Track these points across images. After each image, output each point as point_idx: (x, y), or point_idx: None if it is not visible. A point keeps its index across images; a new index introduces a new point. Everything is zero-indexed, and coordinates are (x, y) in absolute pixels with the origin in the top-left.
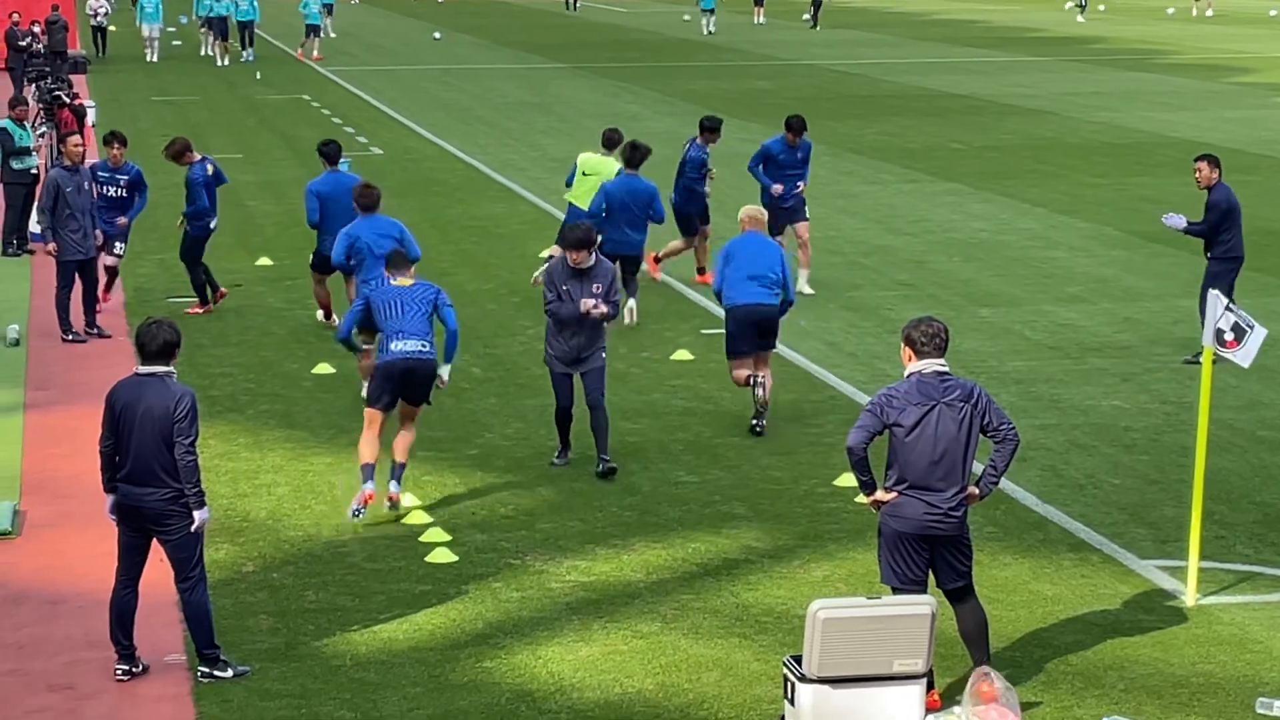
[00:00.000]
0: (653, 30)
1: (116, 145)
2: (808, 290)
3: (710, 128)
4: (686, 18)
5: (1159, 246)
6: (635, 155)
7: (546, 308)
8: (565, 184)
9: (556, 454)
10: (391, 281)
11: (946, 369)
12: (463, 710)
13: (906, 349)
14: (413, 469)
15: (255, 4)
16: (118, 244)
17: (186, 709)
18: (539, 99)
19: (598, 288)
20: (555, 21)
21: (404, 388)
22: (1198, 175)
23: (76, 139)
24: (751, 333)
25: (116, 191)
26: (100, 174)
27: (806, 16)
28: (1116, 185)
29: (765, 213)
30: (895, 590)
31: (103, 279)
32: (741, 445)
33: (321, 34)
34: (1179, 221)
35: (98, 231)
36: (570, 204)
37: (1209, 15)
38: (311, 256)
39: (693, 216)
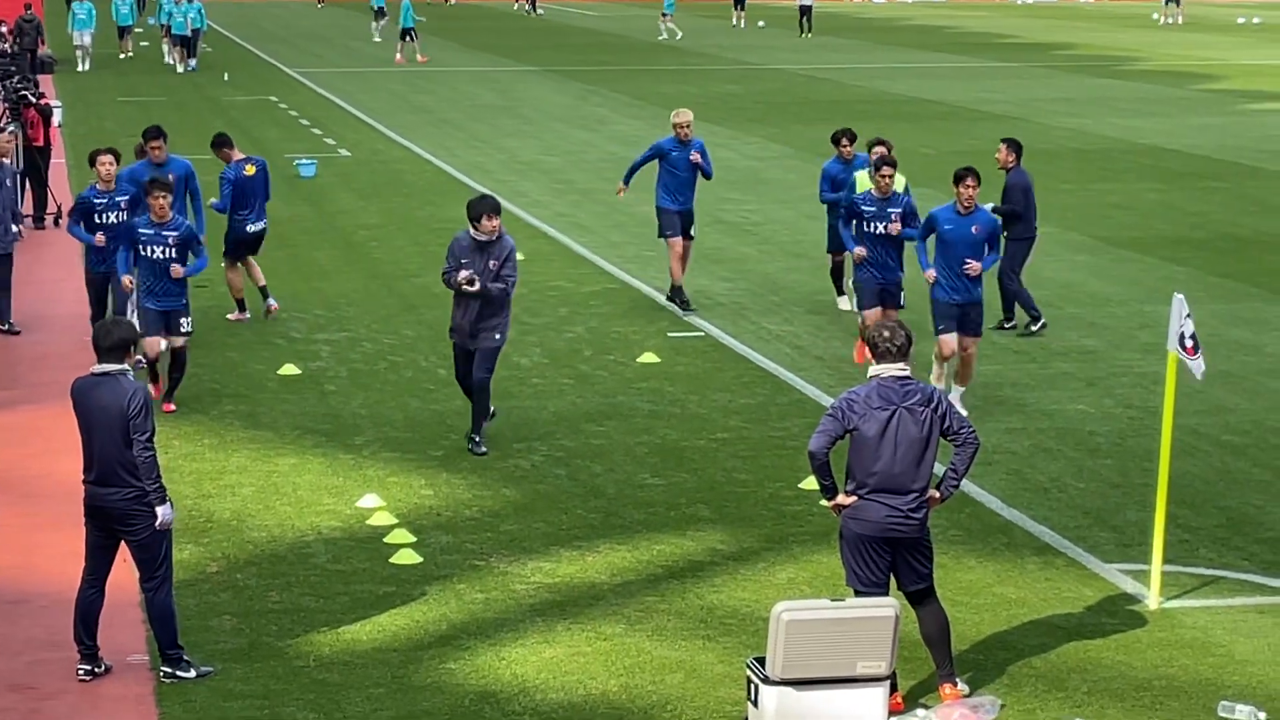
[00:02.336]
0: (621, 34)
1: (159, 194)
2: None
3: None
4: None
5: (1125, 252)
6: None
7: (443, 276)
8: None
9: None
10: (244, 171)
11: (907, 373)
12: (426, 711)
13: (869, 352)
14: (378, 469)
15: (202, 12)
16: (183, 320)
17: (149, 709)
18: (507, 102)
19: (493, 264)
20: (523, 24)
21: (251, 249)
22: (997, 156)
23: (7, 135)
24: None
25: (165, 251)
26: (141, 233)
27: (761, 23)
28: (1084, 191)
29: None
30: (858, 593)
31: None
32: (707, 448)
33: (414, 38)
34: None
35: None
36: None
37: (1180, 22)
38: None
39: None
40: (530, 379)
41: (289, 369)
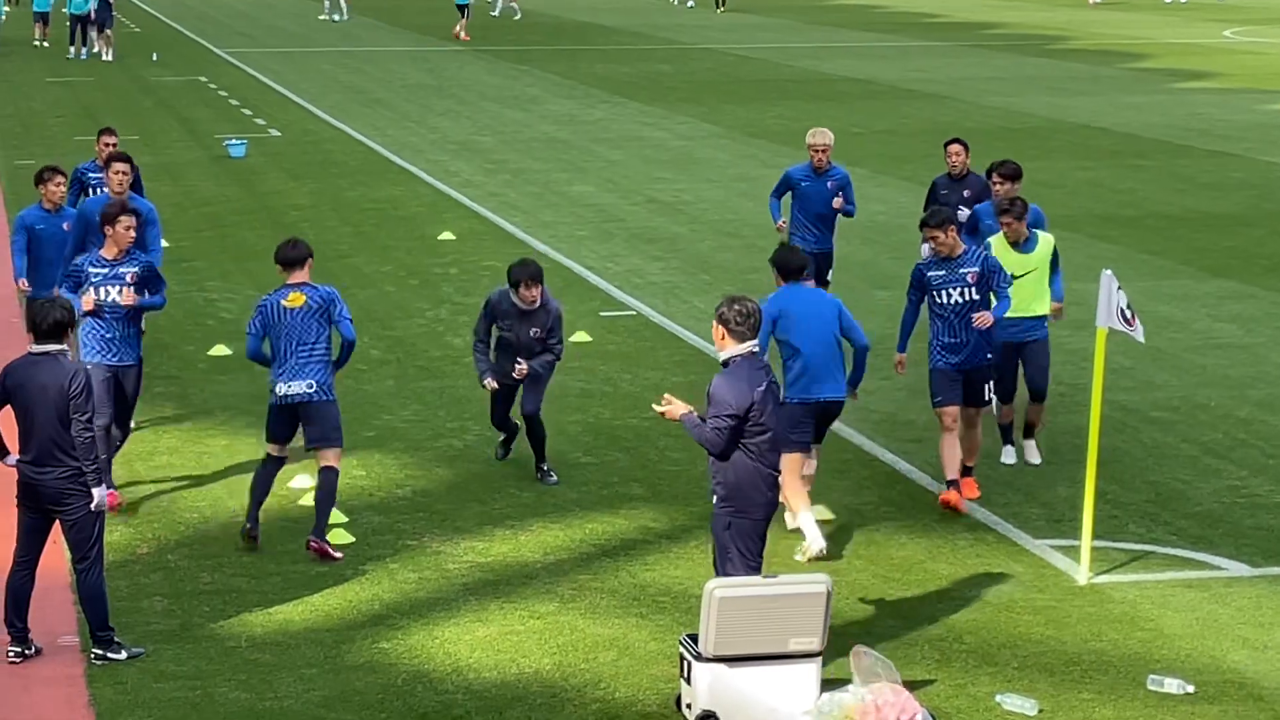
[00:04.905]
0: (552, 14)
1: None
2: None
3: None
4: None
5: (1054, 230)
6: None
7: (474, 344)
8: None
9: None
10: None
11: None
12: (359, 691)
13: (723, 331)
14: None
15: None
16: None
17: (80, 691)
18: (438, 82)
19: (536, 332)
20: (449, 4)
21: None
22: (956, 159)
23: None
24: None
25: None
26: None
27: (691, 4)
28: None
29: None
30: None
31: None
32: (639, 427)
33: (469, 15)
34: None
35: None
36: None
37: (1096, 2)
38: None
39: None
40: (463, 359)
41: (220, 350)
